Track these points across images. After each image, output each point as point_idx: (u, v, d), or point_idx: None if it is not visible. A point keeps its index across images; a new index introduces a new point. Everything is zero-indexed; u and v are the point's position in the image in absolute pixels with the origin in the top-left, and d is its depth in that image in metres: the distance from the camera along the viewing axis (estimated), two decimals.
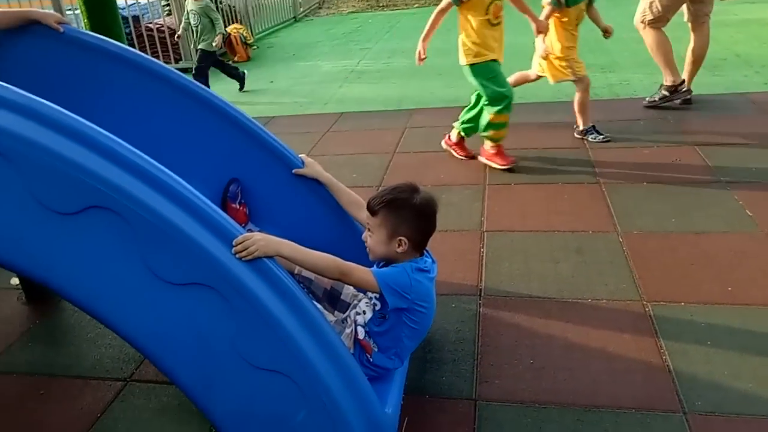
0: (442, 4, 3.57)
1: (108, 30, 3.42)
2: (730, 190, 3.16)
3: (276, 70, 7.18)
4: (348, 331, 1.88)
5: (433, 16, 3.66)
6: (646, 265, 2.58)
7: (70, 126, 1.60)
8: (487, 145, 3.75)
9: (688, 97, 4.44)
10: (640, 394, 1.90)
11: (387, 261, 1.82)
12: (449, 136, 4.00)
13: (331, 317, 1.94)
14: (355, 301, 1.94)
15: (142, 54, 2.39)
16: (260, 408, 1.74)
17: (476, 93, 3.77)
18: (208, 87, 4.30)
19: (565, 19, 3.80)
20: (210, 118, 2.28)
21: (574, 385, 1.96)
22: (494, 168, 3.70)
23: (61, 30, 2.24)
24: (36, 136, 1.58)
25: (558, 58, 3.89)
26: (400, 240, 1.75)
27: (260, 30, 9.60)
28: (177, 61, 7.81)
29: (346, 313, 1.95)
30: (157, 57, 7.38)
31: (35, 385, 2.18)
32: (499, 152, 3.71)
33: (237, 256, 1.62)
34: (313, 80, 6.50)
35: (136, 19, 7.90)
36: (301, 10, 11.61)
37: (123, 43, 2.83)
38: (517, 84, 4.21)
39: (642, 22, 4.36)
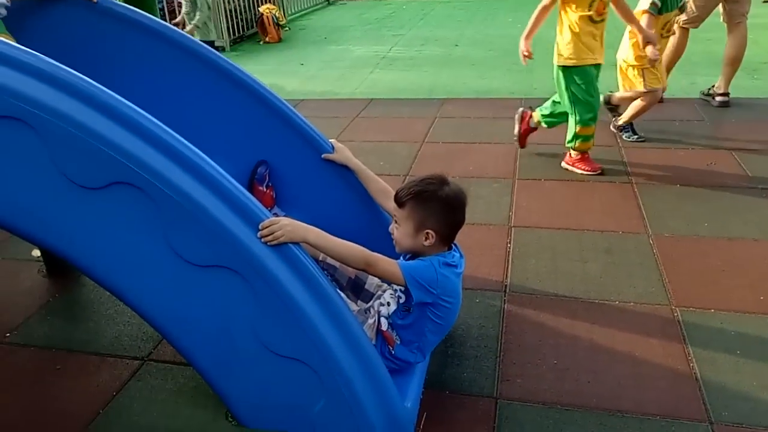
0: (544, 1, 3.32)
1: (141, 3, 3.41)
2: (765, 197, 3.07)
3: (307, 52, 7.14)
4: (371, 321, 1.85)
5: (536, 14, 3.36)
6: (676, 268, 2.51)
7: (98, 98, 1.58)
8: (572, 153, 3.52)
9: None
10: (665, 401, 1.85)
11: (414, 254, 1.78)
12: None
13: (354, 306, 1.92)
14: (379, 292, 1.92)
15: (176, 29, 2.37)
16: (278, 396, 1.73)
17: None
18: None
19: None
20: (241, 96, 2.25)
21: (598, 388, 1.91)
22: (525, 164, 3.63)
23: (95, 0, 2.24)
24: (63, 106, 1.56)
25: (631, 66, 3.65)
26: (427, 233, 1.71)
27: (293, 11, 9.58)
28: None
29: (370, 303, 1.92)
30: None
31: (52, 359, 2.18)
32: (585, 158, 3.49)
33: (262, 240, 1.60)
34: (344, 65, 6.46)
35: None
36: None
37: (156, 16, 2.80)
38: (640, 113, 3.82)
39: (676, 23, 4.26)
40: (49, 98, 1.56)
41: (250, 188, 2.22)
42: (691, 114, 4.29)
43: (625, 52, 3.66)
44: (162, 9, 7.57)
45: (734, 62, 4.26)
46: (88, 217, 1.63)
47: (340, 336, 1.64)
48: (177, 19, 6.72)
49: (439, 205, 1.72)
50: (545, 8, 3.34)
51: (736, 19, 4.17)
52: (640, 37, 3.42)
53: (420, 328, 1.79)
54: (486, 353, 2.10)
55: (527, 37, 3.44)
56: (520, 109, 3.82)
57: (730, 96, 4.40)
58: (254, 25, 8.14)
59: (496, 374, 1.99)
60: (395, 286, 1.82)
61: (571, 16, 3.25)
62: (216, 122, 2.28)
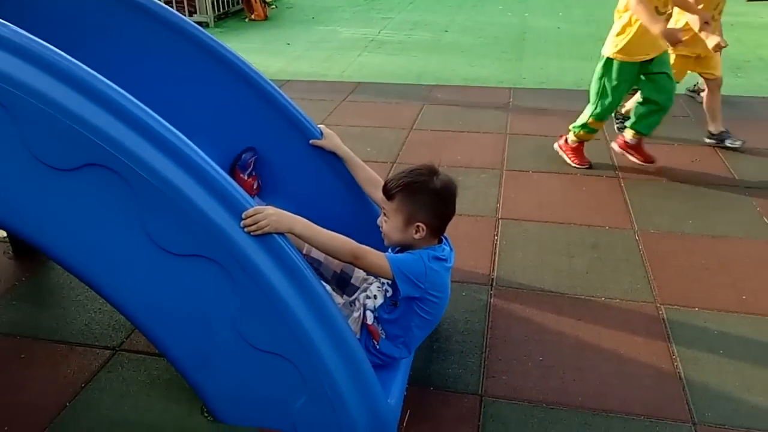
0: None
1: None
2: (748, 196, 3.08)
3: (294, 32, 6.99)
4: (356, 314, 1.80)
5: (643, 9, 2.94)
6: (661, 265, 2.50)
7: (72, 74, 1.48)
8: (570, 137, 3.42)
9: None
10: (650, 401, 1.84)
11: (403, 246, 1.73)
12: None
13: (339, 299, 1.87)
14: (365, 285, 1.86)
15: (158, 2, 2.22)
16: (257, 391, 1.68)
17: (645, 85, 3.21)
18: None
19: (700, 6, 3.28)
20: (225, 76, 2.15)
21: (584, 386, 1.90)
22: (513, 155, 3.59)
23: None
24: (35, 82, 1.46)
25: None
26: (417, 226, 1.66)
27: None
28: (191, 14, 7.61)
29: (355, 296, 1.87)
30: (171, 7, 7.19)
31: (17, 347, 2.08)
32: (578, 149, 3.42)
33: (246, 230, 1.53)
34: (331, 46, 6.33)
35: None
36: None
37: None
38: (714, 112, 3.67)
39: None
40: (19, 73, 1.45)
41: (231, 174, 2.14)
42: (676, 110, 4.26)
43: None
44: None
45: None
46: (58, 200, 1.54)
47: (323, 331, 1.58)
48: None
49: (430, 197, 1.66)
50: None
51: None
52: (697, 21, 3.17)
53: (406, 323, 1.75)
54: (471, 349, 2.06)
55: (657, 22, 2.94)
56: (614, 145, 3.52)
57: None
58: (240, 1, 7.95)
59: (482, 370, 1.96)
60: (382, 280, 1.77)
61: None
62: (198, 102, 2.17)
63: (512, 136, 3.89)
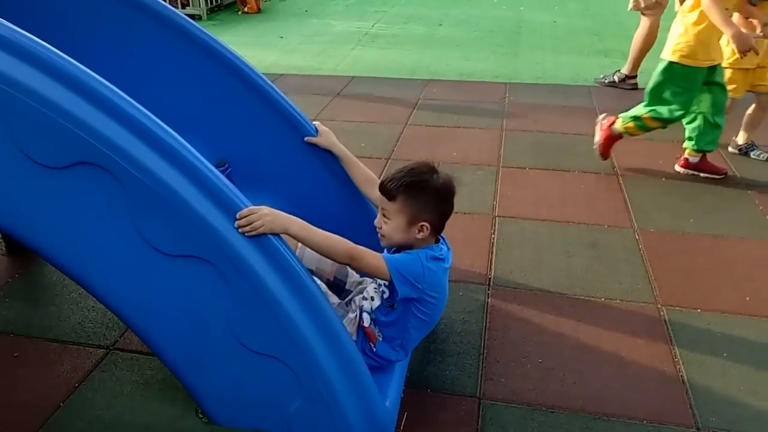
0: None
1: None
2: (750, 194, 3.06)
3: (288, 25, 6.92)
4: (352, 315, 1.76)
5: (717, 8, 2.75)
6: (662, 265, 2.47)
7: (64, 70, 1.44)
8: (619, 125, 3.18)
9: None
10: (652, 405, 1.81)
11: (399, 247, 1.69)
12: (685, 159, 3.23)
13: (334, 300, 1.82)
14: (360, 287, 1.82)
15: None
16: (252, 393, 1.65)
17: (701, 101, 3.01)
18: None
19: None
20: (218, 72, 2.09)
21: (584, 389, 1.87)
22: (509, 151, 3.54)
23: None
24: (24, 78, 1.42)
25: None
26: (421, 225, 1.62)
27: None
28: (184, 6, 7.50)
29: (350, 296, 1.84)
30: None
31: (10, 346, 2.04)
32: (613, 140, 3.22)
33: (240, 230, 1.49)
34: (325, 39, 6.26)
35: None
36: None
37: None
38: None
39: (637, 8, 4.39)
40: (9, 68, 1.42)
41: None
42: None
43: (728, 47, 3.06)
44: None
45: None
46: (49, 198, 1.50)
47: (319, 332, 1.56)
48: None
49: (433, 196, 1.63)
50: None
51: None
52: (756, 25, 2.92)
53: (404, 325, 1.71)
54: (469, 350, 2.03)
55: (730, 23, 2.76)
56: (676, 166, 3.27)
57: None
58: None
59: (480, 372, 1.93)
60: (379, 281, 1.73)
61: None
62: (190, 98, 2.12)
63: (509, 132, 3.85)
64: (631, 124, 3.17)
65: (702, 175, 3.21)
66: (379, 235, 1.68)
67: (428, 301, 1.67)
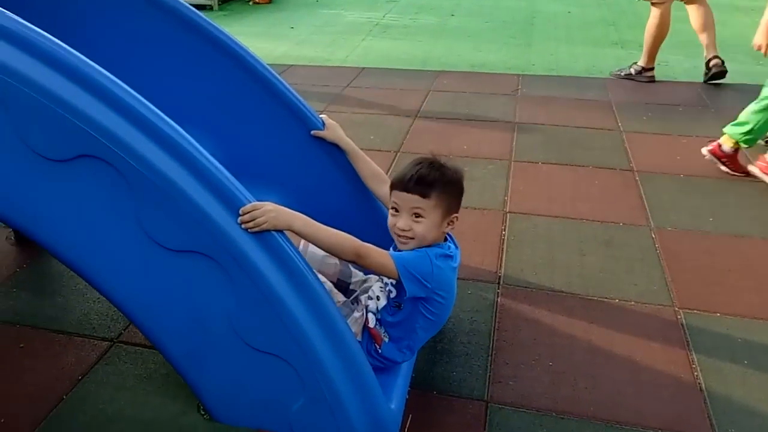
0: None
1: None
2: None
3: (298, 15, 6.85)
4: (357, 315, 1.72)
5: None
6: (679, 266, 2.40)
7: (67, 63, 1.43)
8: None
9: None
10: (667, 413, 1.75)
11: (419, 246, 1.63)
12: (718, 145, 3.10)
13: (340, 298, 1.78)
14: (366, 285, 1.78)
15: None
16: (254, 392, 1.62)
17: None
18: None
19: None
20: (224, 63, 2.04)
21: (596, 395, 1.81)
22: (522, 145, 3.47)
23: None
24: (28, 70, 1.41)
25: None
26: (452, 219, 1.62)
27: None
28: None
29: (355, 295, 1.79)
30: None
31: (16, 336, 2.03)
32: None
33: (243, 226, 1.45)
34: (335, 30, 6.19)
35: None
36: None
37: None
38: None
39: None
40: (12, 60, 1.41)
41: None
42: (694, 99, 4.15)
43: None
44: None
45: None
46: (52, 191, 1.49)
47: (322, 332, 1.52)
48: None
49: (458, 187, 1.64)
50: None
51: None
52: None
53: (411, 325, 1.67)
54: (477, 351, 1.97)
55: None
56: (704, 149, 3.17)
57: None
58: None
59: (488, 375, 1.88)
60: (385, 279, 1.68)
61: None
62: (195, 90, 2.08)
63: (521, 125, 3.77)
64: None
65: (723, 168, 3.12)
66: (403, 238, 1.60)
67: (436, 300, 1.63)
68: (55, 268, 2.41)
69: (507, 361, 1.94)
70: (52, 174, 1.47)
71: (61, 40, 1.44)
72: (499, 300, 2.22)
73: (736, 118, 3.10)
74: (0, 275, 2.35)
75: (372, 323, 1.68)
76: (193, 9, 2.08)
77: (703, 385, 1.84)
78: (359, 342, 1.68)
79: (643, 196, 2.92)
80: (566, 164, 3.26)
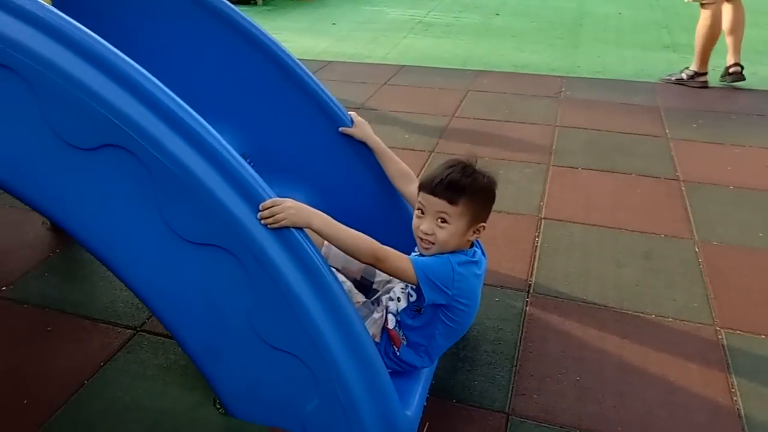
0: None
1: None
2: None
3: (341, 11, 6.86)
4: (377, 315, 1.68)
5: None
6: (723, 283, 2.26)
7: (95, 52, 1.43)
8: None
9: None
10: None
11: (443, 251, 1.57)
12: None
13: (360, 298, 1.74)
14: (388, 286, 1.73)
15: None
16: (269, 390, 1.60)
17: None
18: None
19: None
20: (254, 56, 2.02)
21: (625, 414, 1.71)
22: (561, 149, 3.36)
23: None
24: (57, 58, 1.42)
25: None
26: (479, 228, 1.55)
27: None
28: None
29: (377, 295, 1.75)
30: None
31: (44, 319, 2.07)
32: None
33: (262, 221, 1.43)
34: (377, 27, 6.16)
35: None
36: None
37: None
38: None
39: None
40: (42, 48, 1.42)
41: None
42: (750, 107, 3.95)
43: None
44: None
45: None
46: (78, 178, 1.50)
47: (339, 333, 1.48)
48: None
49: (489, 196, 1.56)
50: None
51: None
52: None
53: (430, 331, 1.61)
54: (501, 360, 1.90)
55: None
56: None
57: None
58: None
59: (511, 386, 1.81)
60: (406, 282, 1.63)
61: None
62: (224, 82, 2.06)
63: (562, 129, 3.66)
64: None
65: None
66: (425, 242, 1.54)
67: (458, 308, 1.57)
68: (86, 254, 2.40)
69: (532, 373, 1.86)
70: (78, 161, 1.48)
71: (91, 30, 1.45)
72: (527, 309, 2.14)
73: None
74: (33, 259, 2.40)
75: (391, 324, 1.64)
76: (227, 2, 2.08)
77: (742, 411, 1.72)
78: (377, 343, 1.64)
79: (688, 207, 2.78)
80: (607, 171, 3.14)
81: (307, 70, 2.03)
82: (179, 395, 1.76)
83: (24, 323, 2.06)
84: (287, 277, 1.45)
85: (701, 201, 2.83)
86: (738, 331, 2.03)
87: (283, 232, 1.44)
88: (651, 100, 4.10)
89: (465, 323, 1.65)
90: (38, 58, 1.41)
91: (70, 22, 1.44)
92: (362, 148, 1.93)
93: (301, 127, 2.02)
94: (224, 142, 1.47)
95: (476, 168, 1.56)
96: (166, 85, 1.46)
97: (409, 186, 1.80)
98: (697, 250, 2.47)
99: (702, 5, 4.13)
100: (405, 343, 1.64)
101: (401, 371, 1.68)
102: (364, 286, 1.77)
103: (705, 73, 4.29)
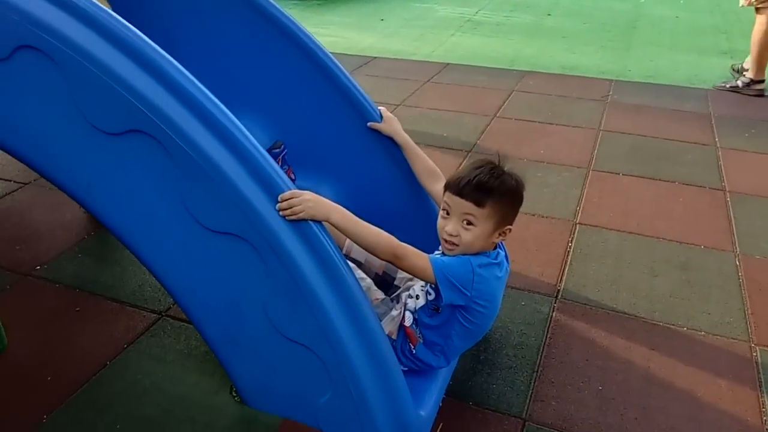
0: None
1: None
2: None
3: (390, 7, 6.86)
4: (395, 313, 1.67)
5: None
6: (763, 299, 2.16)
7: (126, 39, 1.45)
8: None
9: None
10: None
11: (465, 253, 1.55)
12: None
13: (380, 295, 1.73)
14: (409, 283, 1.72)
15: None
16: (284, 381, 1.61)
17: None
18: None
19: None
20: (290, 51, 2.03)
21: (647, 428, 1.65)
22: (603, 154, 3.27)
23: None
24: (87, 43, 1.44)
25: None
26: (505, 230, 1.52)
27: None
28: None
29: (398, 292, 1.74)
30: None
31: (74, 299, 2.14)
32: None
33: (280, 213, 1.43)
34: (425, 24, 6.14)
35: None
36: None
37: None
38: None
39: (749, 4, 3.93)
40: (73, 32, 1.45)
41: None
42: None
43: None
44: None
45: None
46: (104, 163, 1.54)
47: (353, 328, 1.48)
48: None
49: (517, 198, 1.53)
50: None
51: None
52: None
53: (447, 331, 1.59)
54: (522, 365, 1.87)
55: None
56: None
57: None
58: None
59: (530, 392, 1.77)
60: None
61: None
62: (257, 75, 2.08)
63: (606, 133, 3.56)
64: None
65: None
66: (449, 243, 1.52)
67: (476, 309, 1.54)
68: None
69: (553, 379, 1.82)
70: (105, 146, 1.50)
71: (123, 17, 1.47)
72: (554, 315, 2.09)
73: None
74: (69, 240, 2.49)
75: (408, 322, 1.63)
76: None
77: None
78: (394, 340, 1.64)
79: (732, 219, 2.66)
80: (650, 178, 3.03)
81: (339, 65, 2.03)
82: (197, 381, 1.79)
83: (55, 302, 2.14)
84: (303, 270, 1.45)
85: (746, 213, 2.70)
86: None
87: (300, 224, 1.44)
88: (702, 107, 3.94)
89: (483, 325, 1.62)
90: (70, 43, 1.44)
91: (101, 8, 1.47)
92: (390, 144, 1.92)
93: (330, 121, 2.02)
94: (246, 132, 1.47)
95: (505, 170, 1.53)
96: (202, 76, 1.48)
97: (435, 184, 1.78)
98: (737, 263, 2.36)
99: (757, 10, 3.94)
100: (421, 341, 1.63)
101: (417, 370, 1.67)
102: (386, 281, 1.76)
103: (762, 81, 4.09)
